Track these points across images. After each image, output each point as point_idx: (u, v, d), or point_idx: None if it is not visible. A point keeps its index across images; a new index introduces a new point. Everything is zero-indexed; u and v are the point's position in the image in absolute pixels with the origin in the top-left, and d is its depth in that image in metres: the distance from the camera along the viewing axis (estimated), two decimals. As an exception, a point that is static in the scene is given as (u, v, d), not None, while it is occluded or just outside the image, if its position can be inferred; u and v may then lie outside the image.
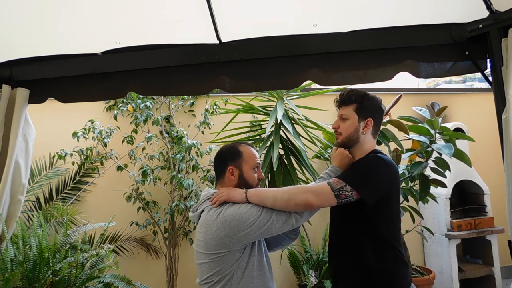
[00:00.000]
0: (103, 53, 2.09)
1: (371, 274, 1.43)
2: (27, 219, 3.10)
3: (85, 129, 3.06)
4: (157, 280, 3.36)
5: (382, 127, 2.74)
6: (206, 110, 3.40)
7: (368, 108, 1.52)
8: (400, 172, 2.75)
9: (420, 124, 2.68)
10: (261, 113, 3.22)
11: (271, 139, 2.95)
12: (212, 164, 3.33)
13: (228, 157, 1.50)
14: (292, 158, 3.02)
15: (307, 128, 3.12)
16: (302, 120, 3.02)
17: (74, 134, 2.99)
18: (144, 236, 3.40)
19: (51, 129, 3.27)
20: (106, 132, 3.13)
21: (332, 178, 1.44)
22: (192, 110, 3.70)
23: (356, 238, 1.47)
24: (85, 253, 2.39)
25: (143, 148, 3.33)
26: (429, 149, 2.61)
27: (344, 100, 1.55)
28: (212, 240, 1.35)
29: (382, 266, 1.42)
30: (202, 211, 1.44)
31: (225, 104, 3.50)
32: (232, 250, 1.35)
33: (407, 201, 2.85)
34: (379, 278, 1.42)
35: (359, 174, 1.42)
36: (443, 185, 2.76)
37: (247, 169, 1.49)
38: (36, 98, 2.20)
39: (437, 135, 2.61)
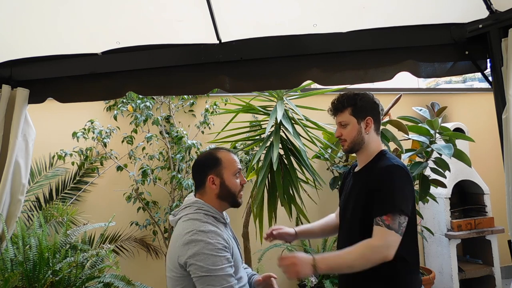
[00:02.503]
0: (103, 53, 2.09)
1: (380, 277, 1.40)
2: (27, 219, 3.10)
3: (85, 129, 3.06)
4: (157, 280, 3.36)
5: (382, 127, 2.75)
6: (206, 110, 3.40)
7: (363, 107, 1.51)
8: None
9: (420, 124, 2.68)
10: (261, 113, 3.21)
11: (271, 139, 2.95)
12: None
13: (207, 165, 1.42)
14: (292, 158, 3.02)
15: (307, 128, 3.12)
16: (302, 120, 3.01)
17: (74, 134, 2.99)
18: (144, 236, 3.40)
19: (51, 129, 3.27)
20: (106, 132, 3.12)
21: (383, 218, 1.33)
22: (192, 110, 3.70)
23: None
24: (85, 253, 2.38)
25: (143, 148, 3.33)
26: (429, 149, 2.61)
27: (337, 107, 1.54)
28: (173, 256, 1.27)
29: (391, 270, 1.38)
30: (180, 218, 1.37)
31: (225, 104, 3.50)
32: (188, 277, 1.23)
33: (407, 201, 2.84)
34: (388, 282, 1.40)
35: (398, 197, 1.37)
36: (443, 185, 2.76)
37: (228, 176, 1.41)
38: (36, 98, 2.19)
39: (437, 135, 2.61)
